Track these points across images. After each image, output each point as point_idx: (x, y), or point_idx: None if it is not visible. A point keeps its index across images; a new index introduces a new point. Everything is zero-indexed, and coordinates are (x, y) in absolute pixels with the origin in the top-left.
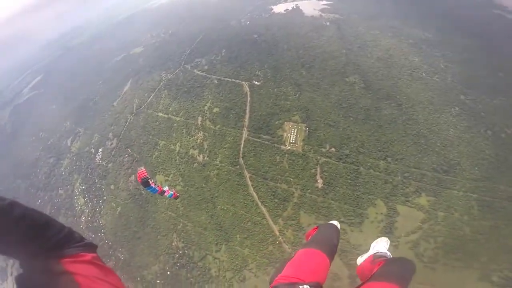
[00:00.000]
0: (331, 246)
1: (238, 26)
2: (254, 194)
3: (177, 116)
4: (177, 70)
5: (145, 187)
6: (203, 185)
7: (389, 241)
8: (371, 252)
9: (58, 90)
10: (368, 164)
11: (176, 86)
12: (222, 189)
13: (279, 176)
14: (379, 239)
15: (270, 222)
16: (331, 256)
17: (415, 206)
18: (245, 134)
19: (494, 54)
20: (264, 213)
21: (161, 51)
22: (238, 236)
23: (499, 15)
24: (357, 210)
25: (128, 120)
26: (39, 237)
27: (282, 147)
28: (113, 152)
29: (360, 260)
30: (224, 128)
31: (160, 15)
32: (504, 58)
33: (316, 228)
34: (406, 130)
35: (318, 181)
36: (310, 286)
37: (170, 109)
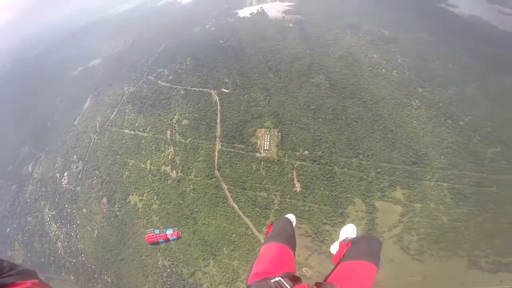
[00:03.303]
0: (287, 236)
1: (203, 32)
2: (235, 205)
3: (144, 132)
4: (140, 82)
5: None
6: (180, 201)
7: (355, 227)
8: (341, 239)
9: (12, 109)
10: (342, 163)
11: (140, 100)
12: (201, 204)
13: (258, 185)
14: (346, 225)
15: (255, 231)
16: (290, 245)
17: (392, 200)
18: (218, 145)
19: (442, 47)
20: (247, 223)
21: (122, 62)
22: (224, 249)
23: (443, 8)
24: (338, 210)
25: (92, 140)
26: None
27: (257, 154)
28: (80, 175)
29: (333, 248)
30: (195, 140)
31: (119, 24)
32: (451, 49)
33: (271, 224)
34: (373, 126)
35: (296, 185)
36: (282, 278)
37: (136, 124)
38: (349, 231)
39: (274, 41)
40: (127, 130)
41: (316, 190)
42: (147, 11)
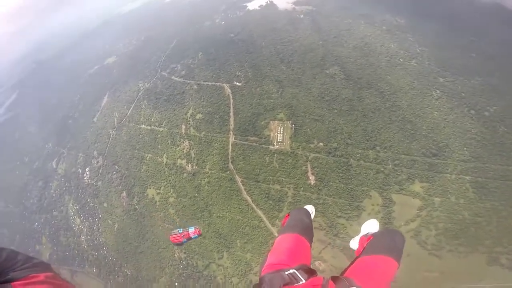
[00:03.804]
0: (304, 227)
1: (212, 26)
2: (248, 198)
3: (160, 127)
4: (154, 78)
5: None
6: (196, 194)
7: (378, 223)
8: (362, 234)
9: (35, 109)
10: (358, 155)
11: (155, 95)
12: (215, 197)
13: (271, 177)
14: (368, 221)
15: (268, 224)
16: (307, 236)
17: (410, 193)
18: (231, 138)
19: (464, 36)
20: (260, 216)
21: (136, 60)
22: (238, 241)
23: None
24: (353, 203)
25: (111, 136)
26: None
27: (270, 147)
28: (100, 170)
29: (352, 243)
30: (209, 134)
31: (130, 21)
32: (473, 39)
33: (288, 215)
34: (391, 117)
35: (310, 178)
36: (296, 270)
37: (152, 120)
38: (371, 226)
39: (285, 32)
40: (143, 125)
41: (331, 183)
42: (155, 9)
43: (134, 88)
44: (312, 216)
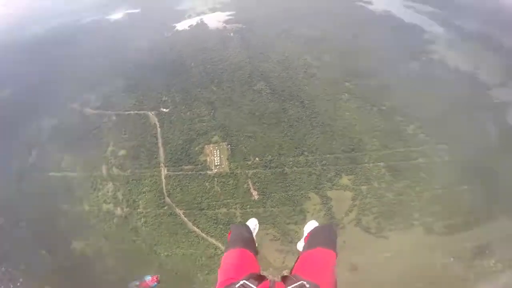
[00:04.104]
0: (244, 239)
1: (136, 49)
2: (195, 228)
3: (74, 172)
4: (61, 113)
5: None
6: (134, 238)
7: (317, 223)
8: (304, 235)
9: None
10: (290, 163)
11: (63, 134)
12: (158, 236)
13: (215, 202)
14: (308, 222)
15: (224, 249)
16: (249, 247)
17: (341, 187)
18: (164, 171)
19: (362, 42)
20: (214, 243)
21: (37, 91)
22: (199, 275)
23: (361, 5)
24: (296, 208)
25: (11, 191)
26: None
27: (209, 172)
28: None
29: (299, 245)
30: (137, 171)
31: (34, 48)
32: (371, 44)
33: (229, 232)
34: (312, 123)
35: (253, 193)
36: (246, 280)
37: (63, 164)
38: (311, 226)
39: (215, 52)
40: (53, 173)
41: (273, 194)
42: (68, 33)
43: (34, 127)
44: (256, 228)
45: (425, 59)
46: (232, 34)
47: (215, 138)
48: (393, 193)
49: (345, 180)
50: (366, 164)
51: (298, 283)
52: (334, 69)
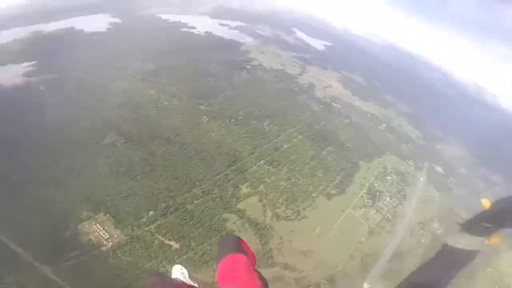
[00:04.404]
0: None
1: None
2: None
3: None
4: None
5: None
6: None
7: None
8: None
9: None
10: (188, 199)
11: None
12: None
13: (136, 272)
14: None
15: None
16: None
17: (245, 196)
18: (46, 270)
19: (200, 64)
20: None
21: None
22: None
23: (186, 31)
24: (222, 232)
25: None
26: None
27: (103, 248)
28: None
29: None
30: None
31: None
32: (204, 65)
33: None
34: (187, 155)
35: (171, 244)
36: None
37: None
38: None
39: (32, 114)
40: None
41: (192, 234)
42: None
43: None
44: (185, 271)
45: (249, 67)
46: (42, 87)
47: (84, 214)
48: (283, 180)
49: (244, 189)
50: (251, 168)
51: None
52: (182, 96)
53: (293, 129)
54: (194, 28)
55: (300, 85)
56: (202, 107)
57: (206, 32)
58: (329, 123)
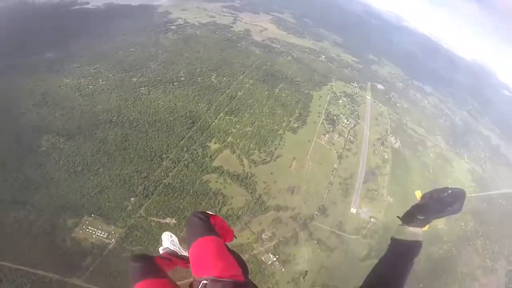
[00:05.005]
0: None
1: None
2: None
3: None
4: None
5: None
6: None
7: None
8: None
9: None
10: (162, 173)
11: None
12: None
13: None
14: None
15: None
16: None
17: (217, 151)
18: (78, 282)
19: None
20: None
21: None
22: None
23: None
24: (209, 194)
25: None
26: None
27: (110, 246)
28: None
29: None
30: None
31: None
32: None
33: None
34: (141, 130)
35: (168, 221)
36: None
37: None
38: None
39: None
40: None
41: (181, 206)
42: None
43: None
44: (174, 238)
45: (174, 27)
46: None
47: (70, 222)
48: (248, 126)
49: (213, 146)
50: (213, 123)
51: (200, 285)
52: (108, 73)
53: (242, 76)
54: (86, 3)
55: (236, 33)
56: (135, 79)
57: (105, 4)
58: (273, 63)
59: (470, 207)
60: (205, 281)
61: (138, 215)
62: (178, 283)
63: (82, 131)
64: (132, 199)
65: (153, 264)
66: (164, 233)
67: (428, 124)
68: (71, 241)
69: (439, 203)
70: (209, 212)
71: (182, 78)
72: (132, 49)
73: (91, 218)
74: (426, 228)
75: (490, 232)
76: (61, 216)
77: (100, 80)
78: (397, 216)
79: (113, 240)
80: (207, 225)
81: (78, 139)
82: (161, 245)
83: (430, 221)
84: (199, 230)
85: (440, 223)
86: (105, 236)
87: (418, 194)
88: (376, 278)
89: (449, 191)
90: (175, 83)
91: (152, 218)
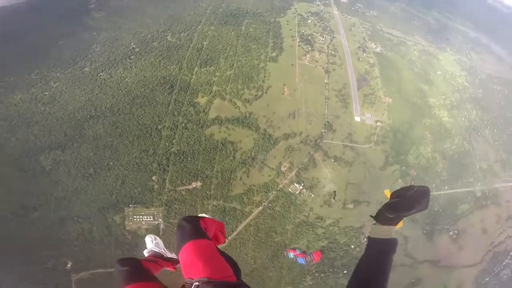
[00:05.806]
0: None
1: None
2: None
3: None
4: None
5: None
6: None
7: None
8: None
9: None
10: (166, 144)
11: None
12: None
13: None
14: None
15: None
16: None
17: (208, 104)
18: None
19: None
20: None
21: None
22: None
23: None
24: (219, 147)
25: None
26: None
27: (162, 226)
28: None
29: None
30: None
31: None
32: None
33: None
34: (123, 113)
35: (194, 185)
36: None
37: None
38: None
39: None
40: None
41: (198, 167)
42: None
43: None
44: (159, 240)
45: (94, 5)
46: None
47: (115, 218)
48: (228, 70)
49: (202, 99)
50: (192, 79)
51: (192, 287)
52: (55, 74)
53: (200, 26)
54: None
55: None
56: (87, 69)
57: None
58: (229, 3)
59: (468, 95)
60: (197, 283)
61: (166, 190)
62: (167, 285)
63: (71, 137)
64: (153, 177)
65: (140, 267)
66: (147, 236)
67: (402, 26)
68: (129, 234)
69: (407, 200)
70: (200, 215)
71: (137, 49)
72: (61, 42)
73: (131, 209)
74: (400, 225)
75: (495, 120)
76: (107, 216)
77: (51, 83)
78: (370, 215)
79: (161, 220)
80: (197, 229)
81: (72, 145)
82: (146, 248)
83: (401, 218)
84: (188, 234)
85: (444, 115)
86: (151, 219)
87: (388, 194)
88: (360, 280)
89: (415, 189)
90: (132, 57)
91: (179, 188)
